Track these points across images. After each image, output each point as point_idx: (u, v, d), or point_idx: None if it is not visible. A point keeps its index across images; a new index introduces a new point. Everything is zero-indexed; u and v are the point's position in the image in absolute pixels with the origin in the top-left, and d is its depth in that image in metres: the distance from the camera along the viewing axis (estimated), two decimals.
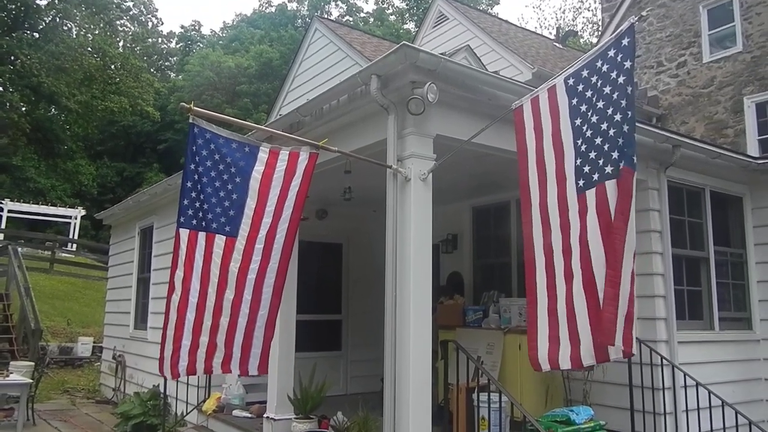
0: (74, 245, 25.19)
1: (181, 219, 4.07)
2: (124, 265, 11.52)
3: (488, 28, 15.67)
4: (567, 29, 33.39)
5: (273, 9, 48.50)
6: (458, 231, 9.10)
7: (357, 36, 16.02)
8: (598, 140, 3.51)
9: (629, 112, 3.39)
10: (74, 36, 31.36)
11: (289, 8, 47.90)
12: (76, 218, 26.66)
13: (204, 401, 7.68)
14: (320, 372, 6.26)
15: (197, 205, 4.10)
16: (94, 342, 14.59)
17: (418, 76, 4.58)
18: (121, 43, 34.90)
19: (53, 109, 32.49)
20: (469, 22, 15.50)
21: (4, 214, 24.80)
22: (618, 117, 3.42)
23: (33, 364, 9.89)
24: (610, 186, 3.41)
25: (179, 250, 4.06)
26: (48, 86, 28.30)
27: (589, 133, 3.57)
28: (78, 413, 10.01)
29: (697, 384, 6.15)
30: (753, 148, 12.09)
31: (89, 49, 30.89)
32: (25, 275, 15.11)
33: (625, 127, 3.38)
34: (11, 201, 25.52)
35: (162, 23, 44.19)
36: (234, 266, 4.22)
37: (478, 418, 5.50)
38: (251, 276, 4.26)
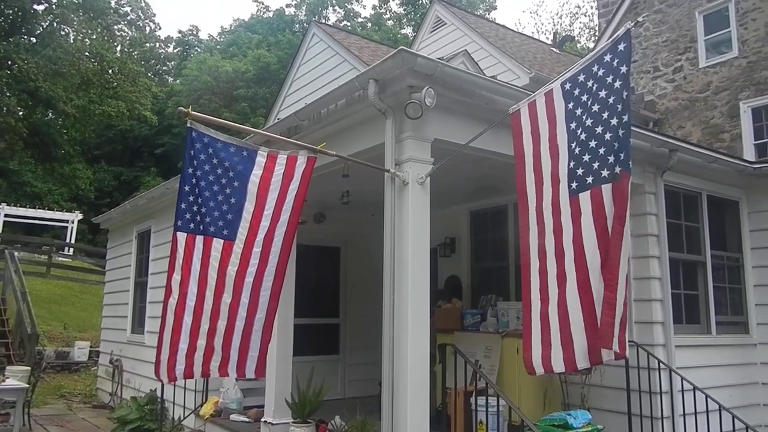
0: (71, 249, 25.15)
1: (179, 223, 4.08)
2: (121, 269, 11.50)
3: (486, 33, 15.72)
4: (564, 34, 33.49)
5: (271, 14, 48.58)
6: (456, 235, 9.11)
7: (355, 41, 16.05)
8: (593, 143, 3.53)
9: (625, 117, 3.41)
10: (72, 41, 31.37)
11: (286, 13, 47.97)
12: (73, 222, 26.61)
13: (201, 405, 7.67)
14: (318, 376, 6.25)
15: (195, 208, 4.10)
16: (90, 346, 14.55)
17: (416, 80, 4.60)
18: (118, 48, 34.90)
19: (50, 114, 32.49)
20: (467, 27, 15.55)
21: (1, 219, 24.74)
22: (614, 121, 3.44)
23: (29, 368, 9.87)
24: (606, 190, 3.43)
25: (176, 253, 4.06)
26: (45, 91, 28.30)
27: (583, 137, 3.60)
28: (75, 418, 9.97)
29: (695, 388, 6.16)
30: (749, 153, 12.14)
31: (87, 53, 30.89)
32: (22, 280, 15.08)
33: (621, 132, 3.40)
34: (8, 205, 25.46)
35: (160, 28, 44.22)
36: (232, 270, 4.22)
37: (476, 422, 5.50)
38: (249, 279, 4.26)
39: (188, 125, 4.05)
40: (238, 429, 6.80)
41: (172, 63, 46.75)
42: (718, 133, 12.93)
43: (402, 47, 4.71)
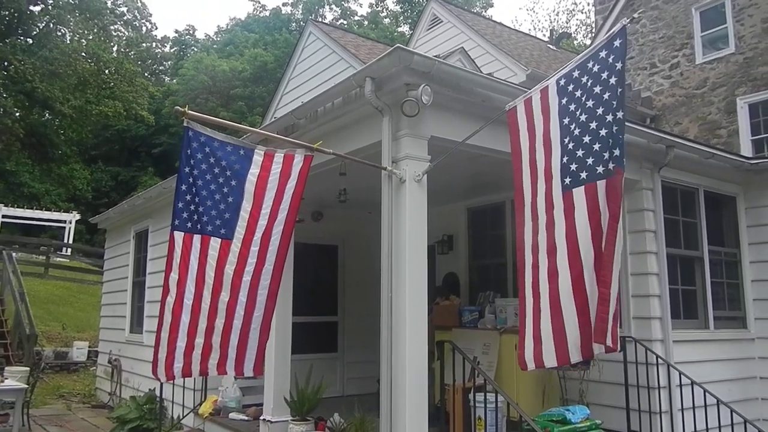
0: (69, 250, 25.13)
1: (176, 222, 4.08)
2: (119, 269, 11.50)
3: (482, 30, 15.73)
4: (561, 31, 33.53)
5: (267, 13, 48.53)
6: (454, 232, 9.12)
7: (351, 39, 16.05)
8: (587, 139, 3.54)
9: (619, 113, 3.42)
10: (68, 41, 31.32)
11: (283, 12, 47.93)
12: (70, 223, 26.59)
13: (200, 404, 7.67)
14: (317, 374, 6.26)
15: (192, 208, 4.10)
16: (89, 346, 14.54)
17: (413, 78, 4.60)
18: (115, 48, 34.84)
19: (47, 114, 32.43)
20: (463, 25, 15.55)
21: None
22: (609, 117, 3.44)
23: (28, 369, 9.86)
24: (601, 186, 3.43)
25: (174, 252, 4.06)
26: (42, 91, 28.26)
27: (577, 132, 3.60)
28: (74, 418, 9.97)
29: (693, 383, 6.18)
30: (746, 149, 12.17)
31: (83, 54, 30.83)
32: (20, 280, 15.07)
33: (615, 128, 3.41)
34: (5, 206, 25.45)
35: (156, 28, 44.17)
36: (229, 269, 4.22)
37: (475, 419, 5.51)
38: (246, 278, 4.27)
39: (185, 125, 4.05)
40: (237, 427, 6.81)
41: (169, 63, 46.71)
42: (715, 129, 12.95)
43: (398, 45, 4.71)
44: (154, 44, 43.84)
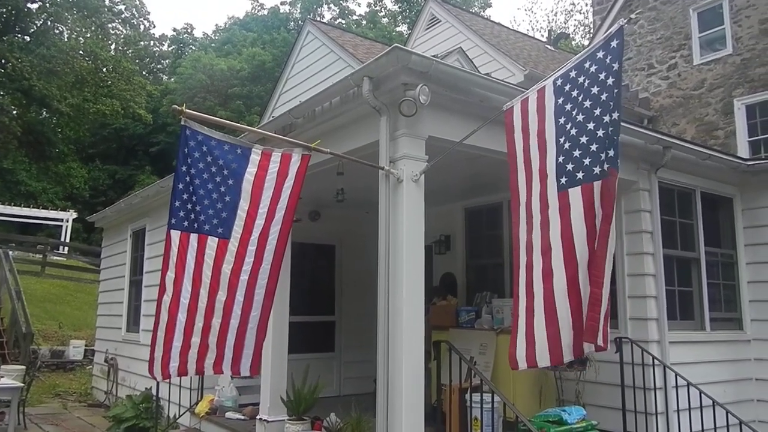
0: (66, 248, 25.09)
1: (172, 221, 4.07)
2: (116, 268, 11.48)
3: (480, 30, 15.74)
4: (559, 32, 33.55)
5: (265, 12, 48.52)
6: (451, 232, 9.12)
7: (349, 38, 16.04)
8: (584, 139, 3.54)
9: (615, 114, 3.42)
10: (66, 39, 31.27)
11: (281, 11, 47.93)
12: (67, 221, 26.54)
13: (197, 403, 7.66)
14: (313, 373, 6.26)
15: (189, 206, 4.10)
16: (86, 345, 14.53)
17: (410, 78, 4.60)
18: (113, 46, 34.78)
19: (44, 112, 32.37)
20: (462, 25, 15.56)
21: None
22: (606, 118, 3.45)
23: (24, 367, 9.85)
24: (597, 187, 3.44)
25: (170, 251, 4.06)
26: (39, 89, 28.20)
27: (574, 132, 3.60)
28: (70, 417, 9.95)
29: (689, 384, 6.19)
30: (743, 150, 12.19)
31: (81, 52, 30.78)
32: (16, 279, 15.04)
33: (611, 128, 3.42)
34: (2, 204, 25.39)
35: (154, 26, 44.19)
36: (226, 268, 4.21)
37: (471, 419, 5.51)
38: (244, 278, 4.26)
39: (182, 123, 4.05)
40: (233, 427, 6.80)
41: (167, 61, 46.65)
42: (712, 130, 12.97)
43: (396, 45, 4.71)
44: (152, 43, 43.81)
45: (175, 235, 4.07)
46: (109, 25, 34.50)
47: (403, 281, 4.61)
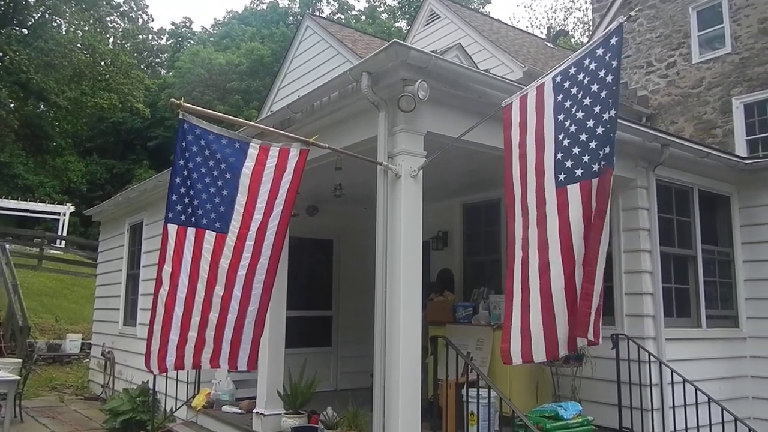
0: (63, 242, 25.04)
1: (170, 215, 4.07)
2: (113, 262, 11.47)
3: (480, 26, 15.71)
4: (558, 29, 33.55)
5: (264, 6, 48.38)
6: (448, 228, 9.13)
7: (348, 33, 16.02)
8: (584, 136, 3.54)
9: (613, 111, 3.43)
10: (64, 32, 31.13)
11: (280, 5, 47.80)
12: (64, 215, 26.48)
13: (193, 397, 7.67)
14: (310, 368, 6.26)
15: (186, 200, 4.09)
16: (82, 339, 14.52)
17: (409, 73, 4.59)
18: (111, 40, 34.63)
19: (42, 106, 32.28)
20: (461, 21, 15.53)
21: None
22: (606, 115, 3.46)
23: (21, 361, 9.85)
24: (595, 184, 3.45)
25: (167, 245, 4.06)
26: (37, 83, 28.08)
27: (573, 129, 3.61)
28: (66, 410, 9.96)
29: (684, 381, 6.21)
30: (741, 148, 12.21)
31: (79, 45, 30.64)
32: (13, 272, 15.02)
33: (609, 126, 3.43)
34: None
35: (152, 20, 43.77)
36: (224, 262, 4.21)
37: (467, 414, 5.53)
38: (241, 272, 4.26)
39: (180, 117, 4.04)
40: (230, 420, 6.81)
41: (165, 55, 46.52)
42: (710, 128, 12.99)
43: (395, 40, 4.70)
44: (150, 36, 43.63)
45: (172, 229, 4.07)
46: (108, 19, 34.36)
47: (400, 277, 4.61)
